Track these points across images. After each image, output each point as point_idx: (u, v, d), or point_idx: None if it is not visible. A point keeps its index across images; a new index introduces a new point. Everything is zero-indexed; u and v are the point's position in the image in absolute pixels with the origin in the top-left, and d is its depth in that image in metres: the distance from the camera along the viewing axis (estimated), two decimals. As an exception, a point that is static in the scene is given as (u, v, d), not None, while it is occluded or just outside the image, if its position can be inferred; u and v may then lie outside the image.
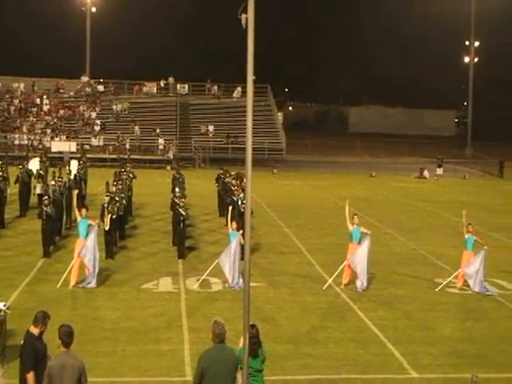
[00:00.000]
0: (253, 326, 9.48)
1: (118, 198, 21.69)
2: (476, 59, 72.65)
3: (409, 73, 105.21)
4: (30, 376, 8.58)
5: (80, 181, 28.83)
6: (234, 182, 25.71)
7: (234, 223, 18.35)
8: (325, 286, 17.81)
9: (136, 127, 51.91)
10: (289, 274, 19.28)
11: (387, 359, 13.19)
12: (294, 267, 20.21)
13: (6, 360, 12.00)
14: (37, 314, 9.07)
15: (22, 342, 8.86)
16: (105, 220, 20.16)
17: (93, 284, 17.06)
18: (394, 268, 20.51)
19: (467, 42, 71.90)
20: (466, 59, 73.38)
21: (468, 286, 18.11)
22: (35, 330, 8.93)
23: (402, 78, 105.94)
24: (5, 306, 12.52)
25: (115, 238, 21.47)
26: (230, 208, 20.73)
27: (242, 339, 9.56)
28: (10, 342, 12.64)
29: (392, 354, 13.48)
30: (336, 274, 18.00)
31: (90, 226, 17.60)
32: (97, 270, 17.18)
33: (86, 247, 17.01)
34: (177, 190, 24.16)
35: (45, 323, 8.99)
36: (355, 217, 18.35)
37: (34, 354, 8.74)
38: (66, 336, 8.44)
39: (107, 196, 20.90)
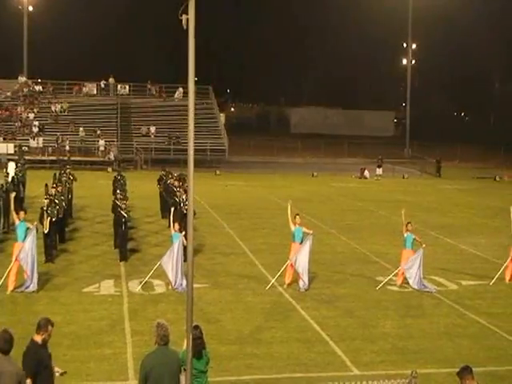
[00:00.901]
0: (196, 327, 9.47)
1: (57, 201, 21.34)
2: (413, 61, 74.22)
3: (348, 74, 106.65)
4: (28, 382, 8.34)
5: (18, 183, 28.15)
6: (176, 183, 25.62)
7: (176, 224, 18.28)
8: (268, 286, 17.90)
9: (81, 129, 51.12)
10: (232, 275, 19.31)
11: (330, 357, 13.35)
12: (237, 268, 20.25)
13: None
14: (39, 321, 8.83)
15: (25, 349, 8.59)
16: (44, 223, 19.78)
17: (32, 288, 16.72)
18: (336, 267, 20.76)
19: (405, 44, 73.38)
20: (404, 61, 74.92)
21: (408, 283, 18.48)
22: (38, 338, 8.72)
23: (342, 79, 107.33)
24: None
25: (55, 241, 21.08)
26: (173, 209, 20.62)
27: (186, 341, 9.54)
28: None
29: (334, 351, 13.65)
30: (279, 273, 18.14)
31: (28, 229, 17.24)
32: (35, 274, 16.83)
33: (24, 251, 16.66)
34: (118, 191, 23.89)
35: (47, 330, 8.76)
36: (297, 217, 18.51)
37: (36, 363, 8.51)
38: (5, 342, 8.25)
39: (46, 199, 20.56)
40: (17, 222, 17.67)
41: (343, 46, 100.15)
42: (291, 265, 18.01)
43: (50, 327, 8.83)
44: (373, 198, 38.27)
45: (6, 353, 8.22)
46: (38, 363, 8.58)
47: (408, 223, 18.76)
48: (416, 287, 18.26)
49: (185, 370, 9.11)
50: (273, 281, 18.12)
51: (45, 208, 20.01)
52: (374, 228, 28.21)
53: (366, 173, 50.53)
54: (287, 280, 18.13)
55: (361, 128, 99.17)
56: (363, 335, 14.63)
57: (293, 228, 18.44)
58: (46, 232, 19.84)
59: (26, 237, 17.01)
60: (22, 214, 17.83)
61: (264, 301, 16.88)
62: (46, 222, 19.81)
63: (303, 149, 64.84)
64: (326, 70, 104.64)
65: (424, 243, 18.62)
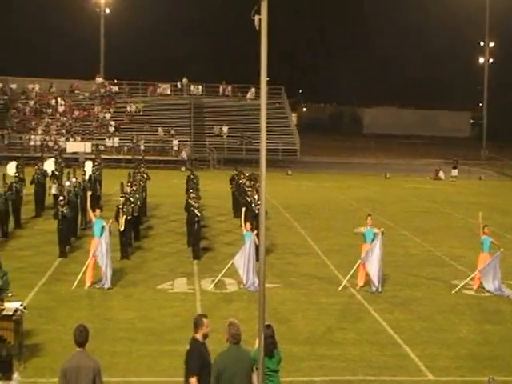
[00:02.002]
0: (268, 326, 9.46)
1: (132, 199, 21.72)
2: (491, 60, 72.25)
3: (422, 74, 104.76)
4: (193, 380, 8.53)
5: (95, 182, 28.91)
6: (248, 182, 25.69)
7: (248, 224, 18.34)
8: (340, 287, 17.75)
9: (160, 129, 51.96)
10: (304, 275, 19.24)
11: (403, 361, 13.13)
12: (309, 268, 20.17)
13: (23, 359, 12.07)
14: (194, 320, 8.98)
15: (188, 347, 8.72)
16: (119, 221, 20.19)
17: (106, 285, 17.08)
18: (409, 270, 20.41)
19: (482, 43, 71.53)
20: (481, 60, 73.02)
21: (484, 288, 17.98)
22: (199, 335, 8.85)
23: (416, 79, 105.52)
24: (21, 305, 12.55)
25: (130, 239, 21.50)
26: (244, 209, 20.71)
27: (258, 340, 9.55)
28: (27, 342, 12.71)
29: (408, 355, 13.41)
30: (350, 274, 17.91)
31: (103, 226, 17.64)
32: (110, 271, 17.19)
33: (100, 248, 17.07)
34: (191, 190, 24.15)
35: (203, 325, 8.87)
36: (369, 218, 18.28)
37: (201, 362, 8.67)
38: (81, 336, 8.43)
39: (122, 197, 20.96)
40: (93, 219, 18.11)
41: (417, 45, 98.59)
42: (363, 265, 17.79)
43: (204, 321, 8.92)
44: (448, 200, 37.45)
45: (82, 345, 8.40)
46: (203, 361, 8.71)
47: (485, 226, 18.26)
48: (492, 291, 17.75)
49: (257, 369, 9.14)
50: (344, 281, 17.94)
51: (120, 206, 20.42)
52: (449, 230, 27.60)
53: (441, 174, 49.49)
54: (360, 282, 17.93)
55: (435, 128, 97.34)
56: (438, 340, 14.31)
57: (363, 229, 18.18)
58: (121, 230, 20.26)
59: (101, 234, 17.42)
60: (98, 211, 18.28)
61: (336, 302, 16.75)
62: (122, 220, 20.22)
63: (376, 149, 64.10)
64: (399, 69, 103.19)
65: (501, 247, 18.08)
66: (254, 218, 20.16)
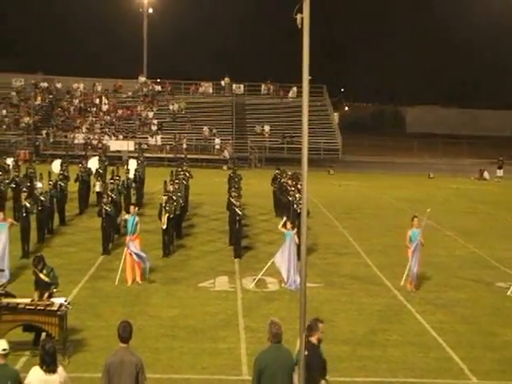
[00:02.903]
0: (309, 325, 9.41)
1: (175, 198, 21.86)
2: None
3: (465, 73, 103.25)
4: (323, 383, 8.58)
5: (140, 180, 29.18)
6: (290, 182, 25.62)
7: (288, 223, 18.29)
8: (400, 281, 17.55)
9: (204, 128, 52.22)
10: (346, 275, 19.12)
11: (447, 364, 12.94)
12: (350, 268, 20.04)
13: (68, 354, 12.25)
14: (309, 323, 8.97)
15: (306, 352, 8.62)
16: (162, 219, 20.33)
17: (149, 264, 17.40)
18: (453, 271, 20.12)
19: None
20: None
21: (530, 290, 17.63)
22: (314, 339, 8.90)
23: (458, 78, 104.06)
24: (66, 301, 12.74)
25: (172, 237, 21.63)
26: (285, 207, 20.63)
27: (299, 339, 9.52)
28: (71, 337, 12.90)
29: (451, 358, 13.22)
30: (404, 278, 17.61)
31: (137, 223, 17.86)
32: (145, 266, 17.36)
33: (134, 244, 17.30)
34: (233, 189, 24.19)
35: (318, 329, 8.94)
36: (415, 219, 18.01)
37: (321, 363, 8.79)
38: (125, 332, 8.52)
39: (165, 195, 21.09)
40: (127, 216, 18.34)
41: (459, 45, 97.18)
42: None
43: (320, 325, 8.96)
44: (493, 201, 36.82)
45: (126, 341, 8.49)
46: (322, 365, 8.79)
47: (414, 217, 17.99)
48: None
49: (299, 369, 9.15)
50: (404, 277, 17.77)
51: (163, 204, 20.56)
52: (494, 231, 27.12)
53: (486, 174, 48.67)
54: (409, 285, 17.66)
55: (477, 128, 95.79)
56: (483, 343, 14.07)
57: (410, 231, 17.93)
58: (163, 228, 20.41)
59: (135, 231, 17.65)
60: (132, 208, 18.50)
61: (378, 302, 16.61)
62: (164, 218, 20.35)
63: (419, 149, 63.28)
64: (442, 68, 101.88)
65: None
66: (295, 218, 20.10)
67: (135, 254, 17.26)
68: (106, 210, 20.48)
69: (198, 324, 14.49)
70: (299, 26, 8.36)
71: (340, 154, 53.90)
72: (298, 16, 8.35)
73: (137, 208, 19.50)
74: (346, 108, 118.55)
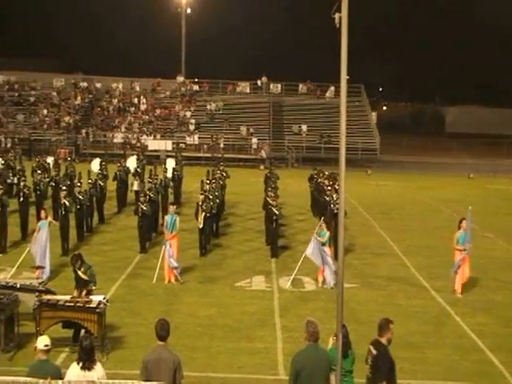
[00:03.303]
0: (343, 326, 9.39)
1: (211, 197, 21.92)
2: None
3: (507, 73, 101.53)
4: None
5: (178, 179, 29.27)
6: (327, 182, 25.51)
7: (323, 223, 18.18)
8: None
9: (241, 127, 52.34)
10: (383, 276, 18.97)
11: (487, 367, 12.75)
12: (388, 269, 19.88)
13: (106, 351, 12.39)
14: (380, 323, 8.94)
15: (375, 352, 8.72)
16: (199, 218, 20.39)
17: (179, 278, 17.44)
18: (493, 273, 19.80)
19: None
20: None
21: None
22: (384, 339, 8.84)
23: (500, 78, 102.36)
24: (104, 298, 12.88)
25: (209, 236, 21.69)
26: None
27: (331, 339, 9.53)
28: (109, 334, 13.03)
29: (491, 361, 13.02)
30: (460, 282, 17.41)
31: (175, 222, 17.95)
32: (174, 265, 17.44)
33: (171, 248, 17.39)
34: (269, 189, 24.16)
35: (389, 329, 8.84)
36: (464, 221, 17.65)
37: (390, 364, 8.71)
38: (163, 330, 8.57)
39: (202, 194, 21.14)
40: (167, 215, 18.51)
41: (502, 44, 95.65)
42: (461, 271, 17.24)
43: (391, 326, 8.90)
44: (534, 202, 36.14)
45: (163, 339, 8.54)
46: (391, 365, 8.71)
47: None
48: None
49: (332, 368, 9.10)
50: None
51: (200, 203, 20.60)
52: (536, 233, 26.62)
53: (527, 175, 47.80)
54: (458, 288, 17.38)
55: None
56: (523, 346, 13.82)
57: (458, 233, 17.55)
58: (200, 227, 20.46)
59: (173, 229, 17.77)
60: (171, 207, 18.69)
61: (416, 304, 16.44)
62: (201, 217, 20.38)
63: (458, 149, 62.51)
64: (483, 68, 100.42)
65: None
66: (332, 218, 20.01)
67: (170, 259, 17.33)
68: (143, 209, 20.60)
69: (234, 323, 14.53)
70: (337, 26, 8.32)
71: (378, 153, 53.49)
72: (336, 15, 8.31)
73: (175, 207, 19.63)
74: (384, 108, 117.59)
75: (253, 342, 13.49)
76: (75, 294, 13.09)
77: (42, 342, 8.65)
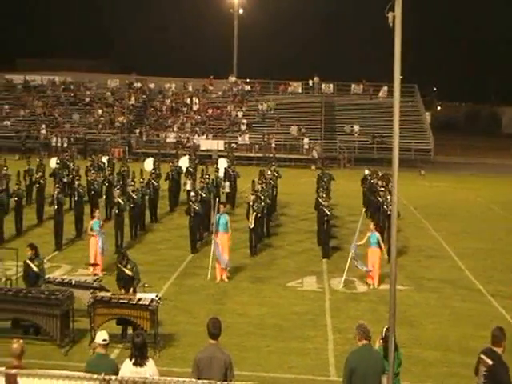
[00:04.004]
0: (387, 328, 9.29)
1: (263, 197, 21.90)
2: None
3: None
4: None
5: (233, 178, 29.05)
6: (380, 182, 25.23)
7: (372, 224, 17.98)
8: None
9: (292, 127, 52.27)
10: (437, 279, 18.66)
11: (545, 374, 12.38)
12: (442, 272, 19.54)
13: (158, 348, 12.51)
14: (495, 332, 8.76)
15: (491, 362, 8.60)
16: (250, 218, 20.34)
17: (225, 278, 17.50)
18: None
19: None
20: None
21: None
22: (499, 350, 8.65)
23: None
24: (157, 296, 13.01)
25: (260, 236, 21.68)
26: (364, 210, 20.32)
27: (378, 341, 9.46)
28: (161, 332, 13.14)
29: (551, 369, 12.63)
30: None
31: (227, 222, 17.99)
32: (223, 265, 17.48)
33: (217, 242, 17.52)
34: (321, 189, 24.00)
35: (505, 338, 8.61)
36: None
37: (507, 377, 8.50)
38: (215, 328, 8.59)
39: (253, 194, 21.10)
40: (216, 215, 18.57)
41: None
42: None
43: (505, 336, 8.68)
44: None
45: (215, 338, 8.55)
46: (508, 378, 8.49)
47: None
48: None
49: (386, 372, 9.06)
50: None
51: (251, 204, 20.54)
52: None
53: None
54: None
55: None
56: None
57: None
58: (251, 227, 20.43)
59: (226, 228, 17.80)
60: (222, 207, 18.72)
61: (471, 308, 16.12)
62: (252, 218, 20.33)
63: (515, 150, 61.14)
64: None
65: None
66: (386, 219, 19.79)
67: (220, 257, 17.41)
68: (195, 209, 20.64)
69: (285, 323, 14.49)
70: (391, 25, 8.23)
71: (432, 154, 52.68)
72: (390, 14, 8.22)
73: (226, 206, 19.67)
74: (439, 108, 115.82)
75: (303, 342, 13.43)
76: (122, 291, 13.32)
77: (101, 336, 8.87)
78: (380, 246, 17.69)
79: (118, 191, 21.66)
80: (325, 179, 28.38)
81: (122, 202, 20.82)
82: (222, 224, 18.10)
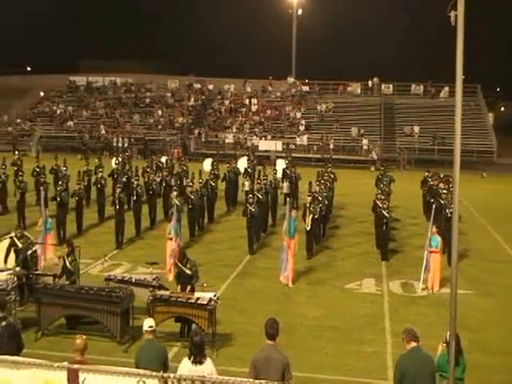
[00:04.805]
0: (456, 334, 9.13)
1: (320, 198, 21.75)
2: None
3: None
4: None
5: (295, 180, 28.66)
6: (441, 185, 24.73)
7: (434, 227, 17.59)
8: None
9: (353, 128, 51.84)
10: (499, 283, 18.23)
11: None
12: (505, 276, 19.06)
13: (216, 347, 12.58)
14: None
15: None
16: (306, 220, 20.16)
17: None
18: None
19: None
20: None
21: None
22: None
23: None
24: (215, 296, 13.09)
25: (317, 238, 21.54)
26: (433, 211, 19.85)
27: (440, 345, 9.32)
28: (219, 331, 13.22)
29: None
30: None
31: (296, 226, 17.80)
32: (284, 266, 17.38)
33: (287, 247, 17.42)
34: (379, 191, 23.58)
35: None
36: None
37: None
38: (273, 329, 8.59)
39: (309, 196, 20.93)
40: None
41: None
42: None
43: None
44: None
45: (273, 339, 8.55)
46: None
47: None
48: None
49: (441, 375, 9.12)
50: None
51: (308, 205, 20.40)
52: None
53: None
54: None
55: None
56: None
57: None
58: (307, 229, 20.25)
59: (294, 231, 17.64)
60: (294, 212, 18.33)
61: (536, 314, 15.69)
62: (308, 219, 20.17)
63: None
64: None
65: None
66: (447, 222, 19.36)
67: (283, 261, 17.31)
68: (251, 211, 20.51)
69: (343, 325, 14.39)
70: (453, 24, 8.09)
71: (495, 156, 51.47)
72: (452, 13, 8.08)
73: (296, 211, 19.46)
74: (502, 108, 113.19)
75: (362, 345, 13.30)
76: (178, 289, 13.44)
77: (147, 323, 9.50)
78: (440, 250, 17.38)
79: (175, 192, 21.77)
80: (384, 181, 27.88)
81: (179, 202, 20.91)
82: (293, 229, 17.66)
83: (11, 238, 15.75)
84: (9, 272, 14.23)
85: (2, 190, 26.19)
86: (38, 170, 27.64)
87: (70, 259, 14.08)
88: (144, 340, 9.53)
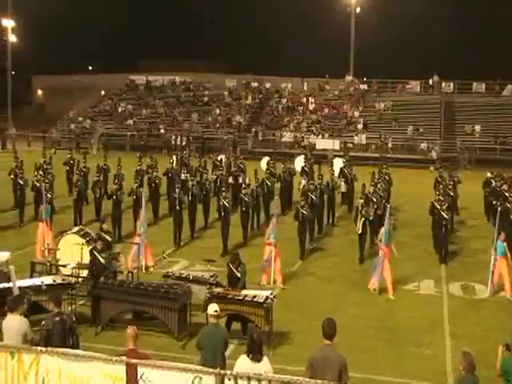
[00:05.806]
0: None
1: (375, 200, 21.33)
2: None
3: None
4: None
5: (351, 181, 28.21)
6: (505, 186, 24.00)
7: (502, 234, 16.88)
8: None
9: (410, 127, 51.13)
10: None
11: None
12: None
13: (272, 346, 12.59)
14: None
15: None
16: (358, 223, 19.57)
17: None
18: None
19: None
20: None
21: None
22: None
23: None
24: (271, 294, 13.10)
25: (371, 241, 20.85)
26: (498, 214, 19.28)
27: (500, 348, 9.13)
28: (275, 330, 13.21)
29: None
30: None
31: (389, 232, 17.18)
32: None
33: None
34: (437, 192, 22.89)
35: None
36: None
37: None
38: (330, 329, 8.54)
39: (361, 199, 20.45)
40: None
41: None
42: None
43: None
44: None
45: (330, 338, 8.50)
46: None
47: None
48: None
49: (506, 379, 9.00)
50: None
51: (359, 208, 19.85)
52: None
53: None
54: None
55: None
56: None
57: None
58: (358, 232, 19.66)
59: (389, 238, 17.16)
60: (388, 219, 17.81)
61: None
62: (360, 223, 19.59)
63: None
64: None
65: None
66: (510, 227, 18.78)
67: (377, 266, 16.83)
68: (303, 213, 19.69)
69: (401, 327, 14.21)
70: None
71: (560, 156, 49.95)
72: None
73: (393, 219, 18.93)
74: None
75: (420, 347, 13.10)
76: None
77: (212, 308, 10.01)
78: (506, 255, 16.85)
79: (224, 193, 21.43)
80: (443, 182, 26.90)
81: (226, 204, 20.57)
82: (388, 235, 16.92)
83: (98, 234, 16.04)
84: (72, 266, 14.58)
85: (21, 195, 24.23)
86: (84, 169, 26.91)
87: (103, 255, 14.25)
88: (208, 324, 10.13)
